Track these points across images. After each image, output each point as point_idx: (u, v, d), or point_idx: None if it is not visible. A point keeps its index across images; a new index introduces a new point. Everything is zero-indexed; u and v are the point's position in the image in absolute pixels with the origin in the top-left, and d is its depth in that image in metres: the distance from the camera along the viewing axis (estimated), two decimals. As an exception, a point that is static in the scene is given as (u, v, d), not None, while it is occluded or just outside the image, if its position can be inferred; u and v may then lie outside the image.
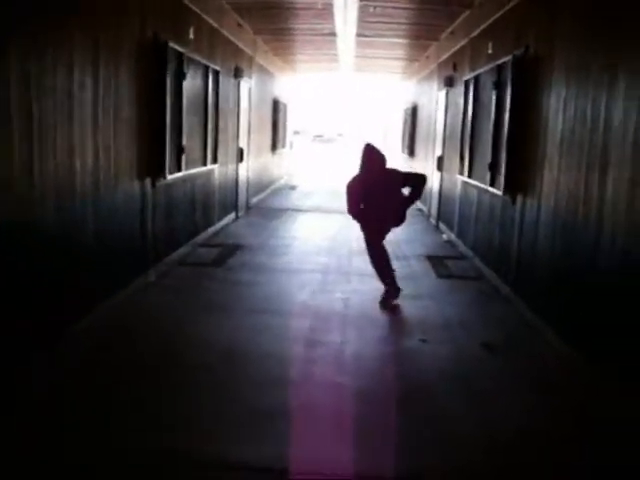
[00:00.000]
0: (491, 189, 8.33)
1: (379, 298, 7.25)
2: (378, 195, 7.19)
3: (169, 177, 8.02)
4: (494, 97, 8.29)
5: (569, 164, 5.79)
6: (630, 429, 4.23)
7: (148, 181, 7.52)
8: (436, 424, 4.33)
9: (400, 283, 7.66)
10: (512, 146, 7.50)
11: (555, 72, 6.33)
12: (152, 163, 7.58)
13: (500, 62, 8.12)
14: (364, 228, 7.47)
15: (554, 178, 6.18)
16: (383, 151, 7.43)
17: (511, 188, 7.51)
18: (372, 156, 7.27)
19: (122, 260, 6.76)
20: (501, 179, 7.76)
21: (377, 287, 7.80)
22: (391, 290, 7.27)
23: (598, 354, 5.04)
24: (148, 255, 7.65)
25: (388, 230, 7.58)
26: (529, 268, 6.92)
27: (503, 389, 5.00)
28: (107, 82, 6.19)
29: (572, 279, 5.67)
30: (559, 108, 6.14)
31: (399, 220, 7.50)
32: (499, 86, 8.15)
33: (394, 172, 7.48)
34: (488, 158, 8.41)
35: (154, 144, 7.58)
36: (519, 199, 7.32)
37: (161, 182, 7.88)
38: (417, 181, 7.42)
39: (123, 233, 6.81)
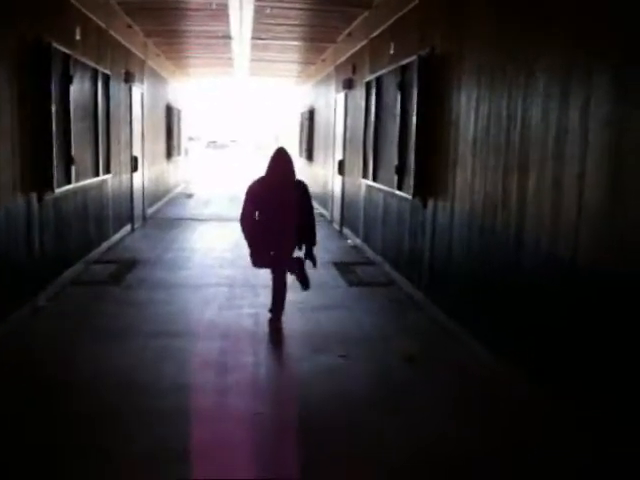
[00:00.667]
0: (399, 192, 8.12)
1: (287, 311, 6.90)
2: (276, 207, 6.38)
3: (58, 190, 7.38)
4: (399, 98, 8.09)
5: (485, 165, 5.61)
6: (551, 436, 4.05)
7: (34, 196, 6.86)
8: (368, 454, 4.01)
9: (310, 292, 7.36)
10: (420, 148, 7.30)
11: (465, 72, 6.15)
12: (38, 176, 6.93)
13: (404, 63, 7.92)
14: (251, 245, 6.53)
15: (468, 180, 5.99)
16: (293, 161, 6.68)
17: (421, 191, 7.31)
18: (280, 161, 6.51)
19: (3, 286, 6.09)
20: (410, 182, 7.55)
21: (289, 300, 7.43)
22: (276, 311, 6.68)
23: (514, 355, 4.86)
24: (36, 277, 6.99)
25: (280, 254, 6.55)
26: (443, 273, 6.73)
27: (429, 405, 4.74)
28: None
29: (491, 283, 5.48)
30: (470, 108, 5.96)
31: (291, 250, 6.59)
32: (404, 87, 7.96)
33: (303, 191, 6.57)
34: (395, 161, 8.19)
35: (39, 155, 6.94)
36: (430, 203, 7.12)
37: (49, 196, 7.23)
38: (310, 228, 6.55)
39: (5, 255, 6.14)
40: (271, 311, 6.68)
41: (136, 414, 4.46)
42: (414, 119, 7.36)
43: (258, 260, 6.57)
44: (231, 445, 4.08)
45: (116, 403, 4.62)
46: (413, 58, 7.49)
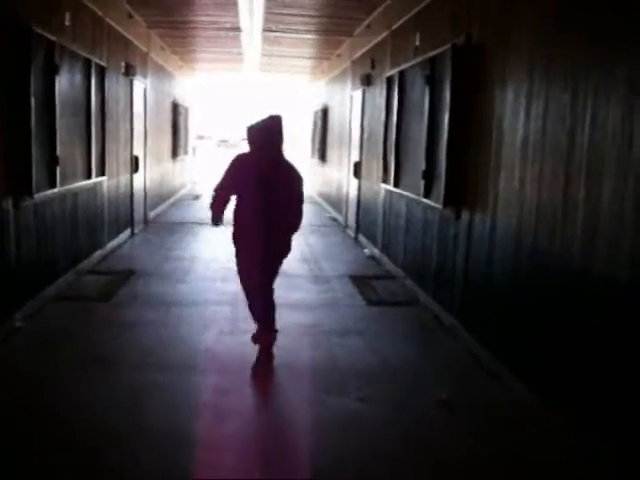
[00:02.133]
0: (426, 201, 7.17)
1: (297, 337, 6.01)
2: (266, 189, 5.23)
3: (38, 195, 6.47)
4: (427, 94, 7.14)
5: (539, 172, 4.64)
6: None
7: (9, 202, 5.95)
8: None
9: (323, 312, 6.46)
10: (454, 151, 6.34)
11: (511, 63, 5.20)
12: (13, 180, 6.02)
13: (433, 54, 6.97)
14: (235, 240, 5.52)
15: (515, 190, 5.03)
16: (283, 123, 5.43)
17: (454, 201, 6.36)
18: (271, 132, 5.32)
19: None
20: (440, 190, 6.60)
21: (298, 322, 6.55)
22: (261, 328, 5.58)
23: (572, 405, 3.92)
24: (11, 294, 6.09)
25: (270, 255, 5.40)
26: (480, 297, 5.78)
27: (472, 466, 3.81)
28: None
29: (545, 317, 4.53)
30: (519, 105, 5.00)
31: (285, 247, 5.55)
32: (433, 81, 7.00)
33: (294, 173, 5.47)
34: (421, 165, 7.24)
35: (15, 156, 6.03)
36: (465, 214, 6.17)
37: (27, 202, 6.32)
38: (298, 215, 5.50)
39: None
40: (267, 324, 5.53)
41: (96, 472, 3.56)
42: (446, 118, 6.40)
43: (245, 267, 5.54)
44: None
45: (72, 453, 3.73)
46: (445, 48, 6.54)
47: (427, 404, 4.70)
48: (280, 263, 5.61)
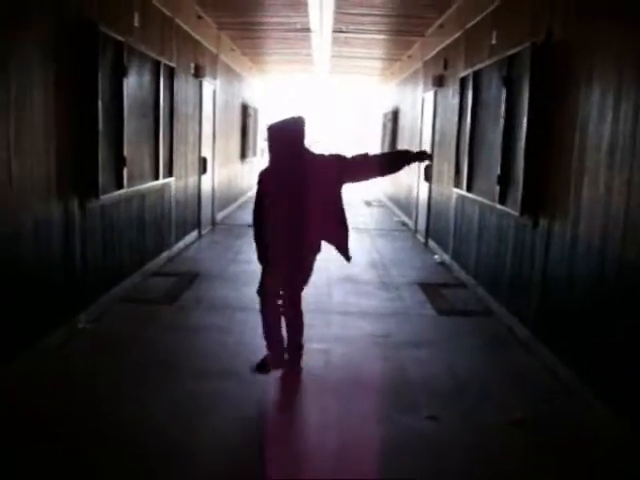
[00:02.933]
0: (501, 207, 6.84)
1: (365, 348, 5.79)
2: (289, 194, 4.79)
3: (105, 196, 6.42)
4: (503, 96, 6.81)
5: (629, 180, 4.28)
6: None
7: (74, 203, 5.91)
8: None
9: (392, 321, 6.20)
10: (532, 156, 6.00)
11: (598, 62, 4.85)
12: (80, 181, 5.98)
13: (511, 53, 6.64)
14: (259, 252, 5.04)
15: (600, 199, 4.68)
16: (306, 124, 4.93)
17: (531, 208, 6.01)
18: (283, 132, 4.89)
19: (33, 308, 5.14)
20: (517, 196, 6.26)
21: (365, 331, 6.34)
22: (271, 357, 5.19)
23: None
24: (77, 295, 6.04)
25: (301, 270, 4.99)
26: (559, 311, 5.43)
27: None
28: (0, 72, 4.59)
29: (632, 333, 4.18)
30: (606, 108, 4.65)
31: (343, 246, 5.03)
32: (510, 82, 6.67)
33: (322, 158, 4.92)
34: (497, 169, 6.91)
35: (82, 157, 5.98)
36: (542, 222, 5.83)
37: (93, 203, 6.27)
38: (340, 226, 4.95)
39: (32, 271, 5.17)
40: (271, 352, 5.13)
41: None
42: (524, 120, 6.06)
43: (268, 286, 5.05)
44: None
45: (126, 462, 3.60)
46: (524, 46, 6.21)
47: (501, 422, 4.40)
48: (307, 279, 5.12)
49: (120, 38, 6.60)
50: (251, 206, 5.18)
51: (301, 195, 4.76)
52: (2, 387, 4.53)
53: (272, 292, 5.07)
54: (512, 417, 4.47)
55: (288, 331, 5.15)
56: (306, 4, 10.38)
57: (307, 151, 4.94)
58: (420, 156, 5.17)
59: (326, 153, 5.00)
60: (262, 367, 5.16)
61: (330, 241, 5.02)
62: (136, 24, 7.43)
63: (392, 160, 5.22)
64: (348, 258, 5.10)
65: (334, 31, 12.56)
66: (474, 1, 8.66)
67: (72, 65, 5.72)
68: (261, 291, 5.11)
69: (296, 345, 5.15)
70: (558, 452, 4.07)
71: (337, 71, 19.43)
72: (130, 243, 7.64)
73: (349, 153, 5.04)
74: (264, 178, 5.02)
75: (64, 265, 5.78)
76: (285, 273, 4.99)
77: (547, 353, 5.55)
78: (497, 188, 6.86)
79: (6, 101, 4.64)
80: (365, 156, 4.95)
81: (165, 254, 9.23)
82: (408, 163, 5.16)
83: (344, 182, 4.93)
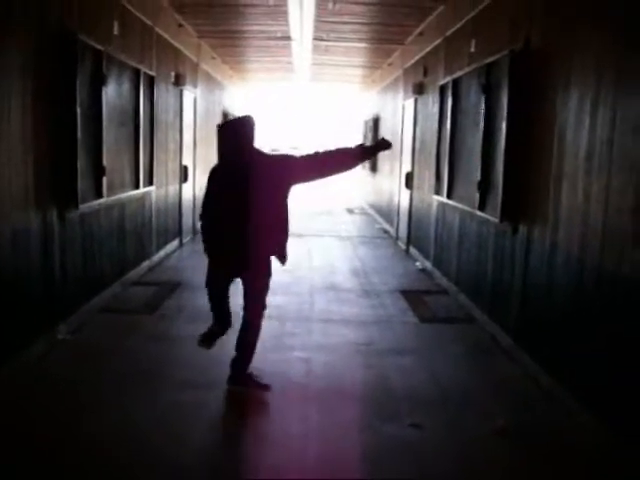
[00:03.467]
0: (481, 214, 6.87)
1: (347, 356, 5.78)
2: (236, 195, 4.65)
3: (84, 205, 6.37)
4: (482, 103, 6.85)
5: (607, 186, 4.30)
6: None
7: (53, 213, 5.86)
8: None
9: (374, 329, 6.22)
10: (511, 162, 6.04)
11: (576, 69, 4.88)
12: (59, 190, 5.93)
13: (490, 60, 6.68)
14: (206, 246, 4.97)
15: (579, 205, 4.71)
16: (255, 124, 4.82)
17: (511, 215, 6.04)
18: (230, 130, 4.89)
19: (12, 319, 5.08)
20: (496, 203, 6.29)
21: (348, 339, 6.33)
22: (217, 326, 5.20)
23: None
24: (57, 305, 5.99)
25: (247, 267, 4.79)
26: (540, 318, 5.45)
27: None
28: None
29: (612, 341, 4.20)
30: (584, 113, 4.69)
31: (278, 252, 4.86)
32: (489, 89, 6.72)
33: (272, 157, 4.93)
34: (476, 176, 6.94)
35: (61, 166, 5.94)
36: (522, 229, 5.85)
37: (73, 213, 6.22)
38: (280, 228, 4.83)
39: (11, 283, 5.12)
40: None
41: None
42: (503, 127, 6.10)
43: (213, 277, 5.01)
44: None
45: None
46: (503, 54, 6.25)
47: (484, 430, 4.40)
48: (262, 282, 4.94)
49: (99, 47, 6.57)
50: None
51: (246, 193, 4.62)
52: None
53: (218, 286, 5.03)
54: (495, 425, 4.48)
55: (239, 332, 5.05)
56: (286, 12, 10.39)
57: (257, 151, 4.83)
58: (379, 147, 4.94)
59: (276, 153, 4.95)
60: (206, 337, 5.13)
61: (272, 244, 4.86)
62: (115, 32, 7.40)
63: (345, 155, 4.89)
64: (284, 262, 4.97)
65: (314, 39, 12.58)
66: (453, 9, 8.71)
67: (51, 74, 5.69)
68: (208, 283, 5.08)
69: (243, 347, 4.97)
70: (541, 460, 4.08)
71: (318, 79, 19.48)
72: (110, 252, 7.58)
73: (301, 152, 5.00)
74: (212, 175, 4.93)
75: (43, 276, 5.72)
76: (231, 270, 4.89)
77: (529, 360, 5.56)
78: (477, 195, 6.89)
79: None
80: (316, 154, 4.86)
81: (146, 263, 9.18)
82: (366, 156, 5.08)
83: (294, 181, 4.80)
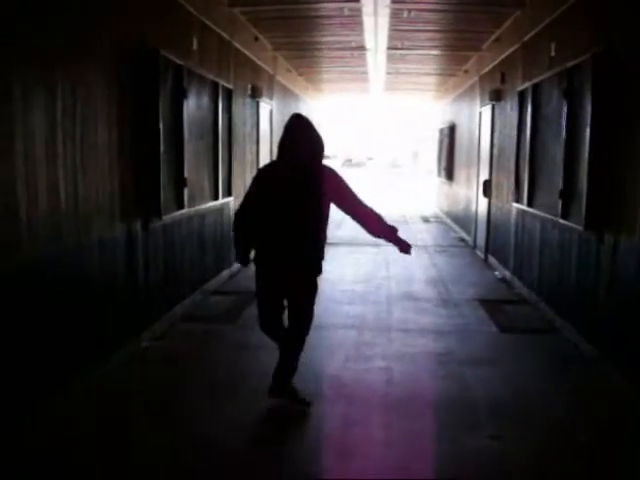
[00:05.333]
0: (564, 222, 6.70)
1: (426, 365, 5.72)
2: (287, 202, 4.51)
3: (166, 216, 6.53)
4: (565, 108, 6.70)
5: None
6: None
7: (137, 223, 6.03)
8: None
9: (453, 339, 6.19)
10: (597, 170, 5.87)
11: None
12: (142, 201, 6.09)
13: (571, 65, 6.53)
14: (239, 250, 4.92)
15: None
16: (319, 136, 4.71)
17: (596, 223, 5.88)
18: (298, 134, 4.62)
19: (95, 328, 5.24)
20: (580, 211, 6.13)
21: (426, 349, 6.27)
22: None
23: None
24: (139, 314, 6.15)
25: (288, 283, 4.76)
26: (627, 327, 5.28)
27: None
28: (68, 96, 4.71)
29: None
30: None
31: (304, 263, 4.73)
32: (571, 95, 6.56)
33: (333, 177, 4.61)
34: (559, 184, 6.79)
35: (144, 178, 6.11)
36: (608, 238, 5.68)
37: (156, 223, 6.39)
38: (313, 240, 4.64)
39: (97, 292, 5.28)
40: (279, 375, 4.76)
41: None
42: (587, 132, 5.95)
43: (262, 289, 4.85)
44: None
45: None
46: (585, 57, 6.11)
47: (567, 444, 4.28)
48: (307, 295, 4.86)
49: (180, 62, 6.73)
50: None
51: (296, 197, 4.51)
52: (72, 397, 4.65)
53: (265, 305, 4.90)
54: (577, 440, 4.35)
55: (283, 343, 4.89)
56: (361, 22, 10.42)
57: (314, 160, 4.64)
58: (401, 242, 4.87)
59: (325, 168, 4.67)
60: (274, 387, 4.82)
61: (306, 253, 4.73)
62: (194, 47, 7.57)
63: (374, 220, 4.78)
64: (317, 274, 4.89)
65: (389, 48, 12.58)
66: (531, 13, 8.56)
67: (134, 89, 5.87)
68: (258, 296, 4.95)
69: (285, 364, 4.80)
70: (622, 476, 3.94)
71: (392, 88, 19.44)
72: (191, 262, 7.74)
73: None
74: (259, 178, 4.83)
75: (127, 285, 5.89)
76: (276, 279, 4.77)
77: (615, 373, 5.39)
78: (560, 203, 6.72)
79: (72, 128, 4.77)
80: (356, 196, 4.71)
81: (225, 272, 9.33)
82: (386, 235, 4.84)
83: (331, 200, 4.64)
